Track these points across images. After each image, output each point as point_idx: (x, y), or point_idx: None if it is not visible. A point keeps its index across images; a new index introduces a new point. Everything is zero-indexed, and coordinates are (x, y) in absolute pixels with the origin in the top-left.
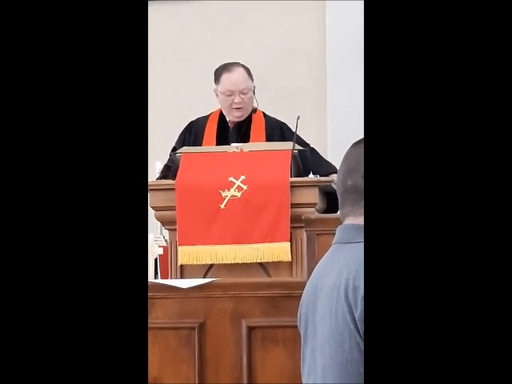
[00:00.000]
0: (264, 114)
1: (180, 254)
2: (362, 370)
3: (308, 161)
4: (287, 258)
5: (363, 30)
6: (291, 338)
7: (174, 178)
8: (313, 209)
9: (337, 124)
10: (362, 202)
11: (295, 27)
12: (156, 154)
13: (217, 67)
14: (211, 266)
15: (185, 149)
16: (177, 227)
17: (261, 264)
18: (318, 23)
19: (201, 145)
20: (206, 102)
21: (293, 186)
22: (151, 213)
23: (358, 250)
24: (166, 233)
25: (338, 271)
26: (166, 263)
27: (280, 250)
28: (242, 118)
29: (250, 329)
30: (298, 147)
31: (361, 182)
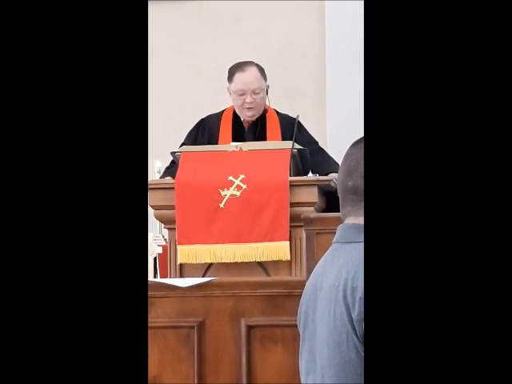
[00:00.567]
0: (277, 112)
1: (179, 253)
2: (360, 371)
3: (307, 160)
4: (286, 257)
5: (363, 28)
6: (290, 337)
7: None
8: (312, 208)
9: (336, 123)
10: (363, 203)
11: (294, 26)
12: (156, 153)
13: (231, 66)
14: (210, 265)
15: (184, 148)
16: (176, 226)
17: (260, 263)
18: (318, 22)
19: (217, 143)
20: (205, 101)
21: (292, 185)
22: (150, 212)
23: (357, 250)
24: (165, 232)
25: (338, 271)
26: (165, 262)
27: (279, 249)
28: (254, 118)
29: (250, 328)
30: (297, 146)
31: (361, 183)
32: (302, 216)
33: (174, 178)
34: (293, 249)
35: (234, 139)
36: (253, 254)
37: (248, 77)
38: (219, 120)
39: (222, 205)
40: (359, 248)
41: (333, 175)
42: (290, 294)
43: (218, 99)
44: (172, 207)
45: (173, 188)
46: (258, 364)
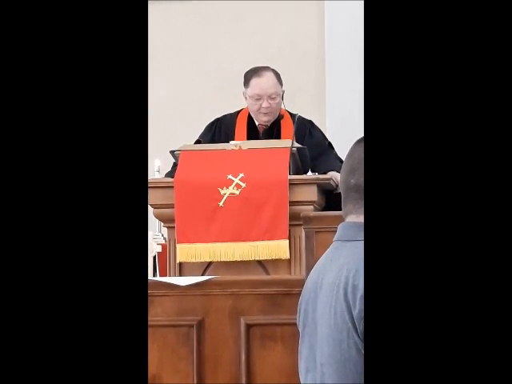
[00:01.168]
0: (290, 114)
1: (178, 252)
2: (360, 369)
3: (307, 158)
4: (286, 255)
5: (362, 28)
6: (290, 336)
7: None
8: (311, 206)
9: (335, 122)
10: None
11: (294, 25)
12: (155, 152)
13: (247, 70)
14: (210, 263)
15: (183, 146)
16: (175, 225)
17: (259, 262)
18: (317, 21)
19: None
20: (205, 101)
21: (291, 184)
22: (150, 210)
23: (358, 249)
24: (164, 230)
25: (338, 269)
26: (164, 261)
27: (278, 248)
28: (269, 123)
29: (249, 326)
30: (296, 145)
31: (363, 181)
32: (301, 214)
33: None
34: (292, 247)
35: None
36: (252, 253)
37: (265, 82)
38: (234, 122)
39: (221, 203)
40: (360, 246)
41: (332, 174)
42: (290, 293)
43: (217, 98)
44: (171, 206)
45: (172, 187)
46: (258, 362)
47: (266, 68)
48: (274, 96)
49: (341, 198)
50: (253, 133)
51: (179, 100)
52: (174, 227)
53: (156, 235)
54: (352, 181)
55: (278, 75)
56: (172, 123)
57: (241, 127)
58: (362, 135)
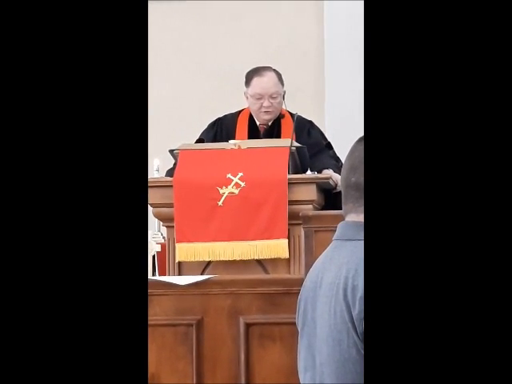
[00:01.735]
0: (290, 114)
1: (178, 251)
2: (360, 369)
3: (306, 157)
4: (285, 254)
5: (362, 27)
6: (289, 335)
7: None
8: (310, 206)
9: (335, 122)
10: None
11: (293, 25)
12: (155, 151)
13: (248, 70)
14: (209, 262)
15: (182, 146)
16: (174, 224)
17: (258, 261)
18: (316, 21)
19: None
20: (205, 100)
21: (291, 183)
22: (149, 210)
23: (358, 249)
24: (163, 230)
25: (338, 269)
26: (163, 260)
27: (278, 247)
28: (270, 122)
29: (248, 326)
30: (295, 144)
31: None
32: (300, 214)
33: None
34: (291, 247)
35: None
36: (251, 252)
37: (266, 81)
38: (235, 122)
39: (220, 203)
40: (360, 246)
41: (326, 172)
42: (289, 292)
43: (217, 98)
44: (170, 205)
45: (171, 186)
46: (257, 362)
47: (268, 68)
48: (275, 95)
49: (340, 197)
50: (253, 132)
51: (178, 99)
52: (173, 226)
53: (155, 234)
54: (352, 179)
55: (279, 75)
56: (171, 122)
57: (242, 127)
58: (362, 134)
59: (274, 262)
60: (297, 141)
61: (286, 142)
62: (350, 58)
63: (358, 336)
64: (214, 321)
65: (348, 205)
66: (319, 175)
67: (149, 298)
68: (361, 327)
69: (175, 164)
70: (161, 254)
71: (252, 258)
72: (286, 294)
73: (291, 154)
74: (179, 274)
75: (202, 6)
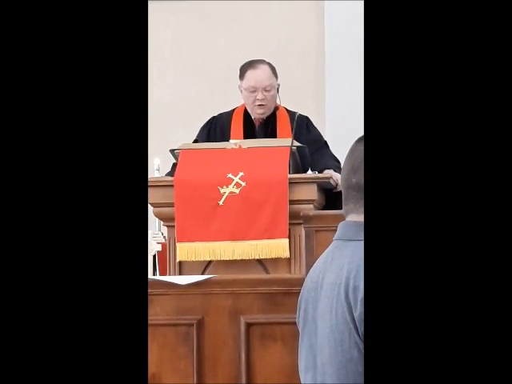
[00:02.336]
0: (287, 110)
1: (178, 251)
2: (361, 369)
3: (307, 157)
4: (286, 254)
5: (362, 26)
6: (290, 335)
7: None
8: (311, 205)
9: (335, 121)
10: None
11: (293, 24)
12: (155, 150)
13: (242, 64)
14: (209, 262)
15: (183, 145)
16: (175, 224)
17: (259, 260)
18: (316, 20)
19: (229, 141)
20: (204, 99)
21: (291, 183)
22: (149, 209)
23: (359, 249)
24: (164, 229)
25: (339, 269)
26: (164, 260)
27: (278, 247)
28: (265, 116)
29: (249, 325)
30: (296, 144)
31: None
32: (301, 213)
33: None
34: (292, 246)
35: (245, 137)
36: (252, 252)
37: (259, 74)
38: (230, 118)
39: (221, 202)
40: (361, 246)
41: (330, 172)
42: (290, 292)
43: (216, 97)
44: (171, 205)
45: (172, 185)
46: (257, 362)
47: (261, 61)
48: (268, 88)
49: (341, 197)
50: (249, 126)
51: (178, 99)
52: (173, 226)
53: (156, 234)
54: (353, 180)
55: (273, 68)
56: (171, 122)
57: (237, 122)
58: (362, 134)
59: (275, 261)
60: (297, 136)
61: (287, 141)
62: (350, 58)
63: (359, 337)
64: (215, 321)
65: (349, 205)
66: (320, 175)
67: (149, 297)
68: (362, 328)
69: (175, 164)
70: (161, 254)
71: (253, 257)
72: (286, 293)
73: (292, 153)
74: (180, 274)
75: (202, 6)
